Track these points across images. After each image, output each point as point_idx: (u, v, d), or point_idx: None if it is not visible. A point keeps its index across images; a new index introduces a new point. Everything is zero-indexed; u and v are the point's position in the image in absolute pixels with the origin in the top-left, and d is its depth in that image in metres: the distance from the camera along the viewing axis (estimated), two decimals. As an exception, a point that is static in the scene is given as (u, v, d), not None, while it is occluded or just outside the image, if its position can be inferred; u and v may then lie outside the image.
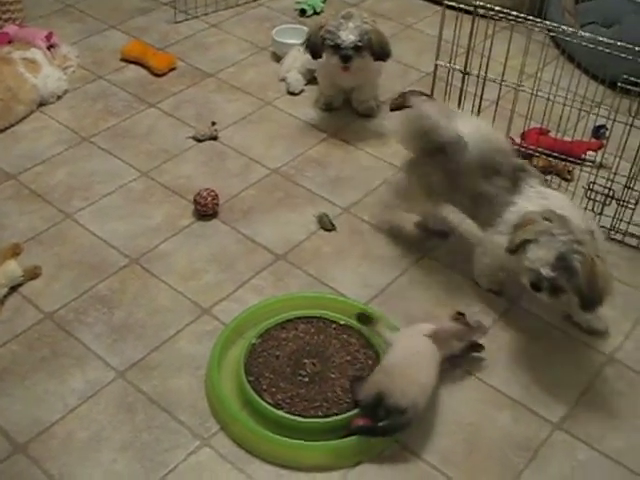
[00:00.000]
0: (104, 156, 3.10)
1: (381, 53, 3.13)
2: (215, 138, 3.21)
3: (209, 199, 2.80)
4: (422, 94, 3.39)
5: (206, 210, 2.81)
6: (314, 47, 3.14)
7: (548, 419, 2.25)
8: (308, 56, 3.35)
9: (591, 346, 2.46)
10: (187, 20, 3.96)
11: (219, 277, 2.63)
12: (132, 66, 3.61)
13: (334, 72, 3.19)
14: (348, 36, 3.02)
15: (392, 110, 3.40)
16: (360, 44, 3.05)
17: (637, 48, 2.56)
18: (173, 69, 3.60)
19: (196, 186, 2.89)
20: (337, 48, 3.06)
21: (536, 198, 2.38)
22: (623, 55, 2.61)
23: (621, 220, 2.81)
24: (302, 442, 2.11)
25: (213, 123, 3.22)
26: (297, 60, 3.53)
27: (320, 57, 3.16)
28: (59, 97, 3.38)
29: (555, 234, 2.21)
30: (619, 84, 2.59)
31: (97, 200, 2.90)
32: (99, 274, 2.62)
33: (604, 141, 3.02)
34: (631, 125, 2.62)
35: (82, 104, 3.38)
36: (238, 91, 3.50)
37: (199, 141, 3.19)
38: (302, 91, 3.50)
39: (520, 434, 2.21)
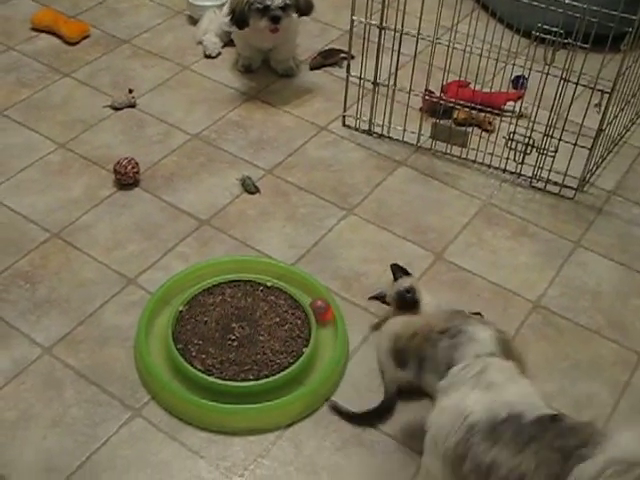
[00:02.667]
0: (19, 129, 3.02)
1: (306, 8, 3.12)
2: (133, 106, 3.14)
3: (129, 168, 2.75)
4: (341, 51, 3.39)
5: (127, 179, 2.76)
6: (241, 16, 3.06)
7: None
8: (224, 18, 3.31)
9: (517, 294, 2.49)
10: (99, -14, 3.87)
11: (143, 246, 2.59)
12: (44, 35, 3.51)
13: (252, 34, 3.15)
14: None
15: (312, 69, 3.38)
16: (288, 2, 3.02)
17: (549, -4, 2.58)
18: (86, 37, 3.51)
19: (115, 155, 2.83)
20: (266, 10, 3.02)
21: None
22: (535, 3, 2.62)
23: (542, 168, 2.84)
24: (233, 406, 2.10)
25: (130, 90, 3.16)
26: (213, 22, 3.48)
27: (247, 26, 3.09)
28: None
29: None
30: (534, 33, 2.60)
31: (13, 175, 2.83)
32: (19, 250, 2.56)
33: (523, 91, 3.05)
34: (547, 74, 2.64)
35: (-7, 77, 3.28)
36: (155, 57, 3.43)
37: (117, 109, 3.12)
38: (219, 54, 3.45)
39: (450, 384, 2.24)
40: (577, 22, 2.55)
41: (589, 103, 2.65)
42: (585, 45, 2.54)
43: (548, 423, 1.61)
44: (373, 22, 2.82)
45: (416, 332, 1.88)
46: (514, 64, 2.83)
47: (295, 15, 3.11)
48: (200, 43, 3.48)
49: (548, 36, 2.57)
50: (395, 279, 2.32)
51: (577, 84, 2.62)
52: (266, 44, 3.27)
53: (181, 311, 2.32)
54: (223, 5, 3.44)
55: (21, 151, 2.92)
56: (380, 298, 2.34)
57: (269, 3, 3.00)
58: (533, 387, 1.75)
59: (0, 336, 2.31)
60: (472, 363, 1.74)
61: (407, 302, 2.26)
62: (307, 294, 2.40)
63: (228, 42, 3.46)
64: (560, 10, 2.56)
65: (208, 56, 3.43)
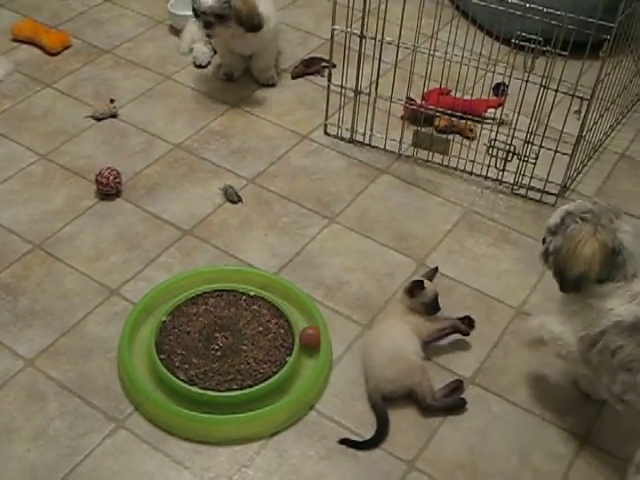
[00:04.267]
0: (0, 140, 3.01)
1: (250, 24, 3.05)
2: (115, 116, 3.14)
3: (111, 178, 2.75)
4: (322, 60, 3.40)
5: (108, 190, 2.76)
6: (195, 14, 3.06)
7: (460, 374, 2.29)
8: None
9: (500, 300, 2.50)
10: (79, -4, 3.86)
11: (126, 257, 2.58)
12: (24, 46, 3.50)
13: (231, 42, 3.15)
14: (206, 1, 2.96)
15: (293, 78, 3.39)
16: (221, 12, 2.98)
17: (528, 4, 2.59)
18: (68, 47, 3.50)
19: (97, 166, 2.83)
20: (197, 15, 3.02)
21: None
22: (514, 11, 2.63)
23: (523, 175, 2.85)
24: (217, 416, 2.10)
25: (112, 100, 3.15)
26: (197, 32, 3.47)
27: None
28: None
29: None
30: (514, 40, 2.61)
31: (-5, 186, 2.82)
32: (1, 262, 2.55)
33: (503, 98, 3.06)
34: (527, 81, 2.65)
35: (-27, 88, 3.27)
36: (136, 67, 3.43)
37: (98, 120, 3.12)
38: (209, 63, 3.44)
39: (434, 391, 2.24)
40: (556, 29, 2.57)
41: (569, 110, 2.67)
42: (564, 52, 2.56)
43: None
44: (354, 31, 2.83)
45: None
46: (494, 71, 2.84)
47: (238, 27, 3.04)
48: (185, 54, 3.47)
49: (527, 43, 2.59)
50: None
51: (557, 91, 2.64)
52: (240, 49, 3.26)
53: (164, 321, 2.32)
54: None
55: (2, 162, 2.91)
56: (420, 286, 2.32)
57: (197, 7, 3.00)
58: None
59: (-18, 348, 2.31)
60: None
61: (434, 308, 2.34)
62: (290, 303, 2.41)
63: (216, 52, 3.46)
64: (539, 18, 2.57)
65: (199, 66, 3.42)
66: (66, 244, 2.62)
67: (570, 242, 1.98)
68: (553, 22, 2.56)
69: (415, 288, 2.31)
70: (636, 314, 1.92)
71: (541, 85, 2.65)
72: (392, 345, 2.22)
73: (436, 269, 2.46)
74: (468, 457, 2.11)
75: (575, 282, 1.99)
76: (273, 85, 3.35)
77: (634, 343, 1.90)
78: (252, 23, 3.05)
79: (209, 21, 3.00)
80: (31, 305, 2.42)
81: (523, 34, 2.58)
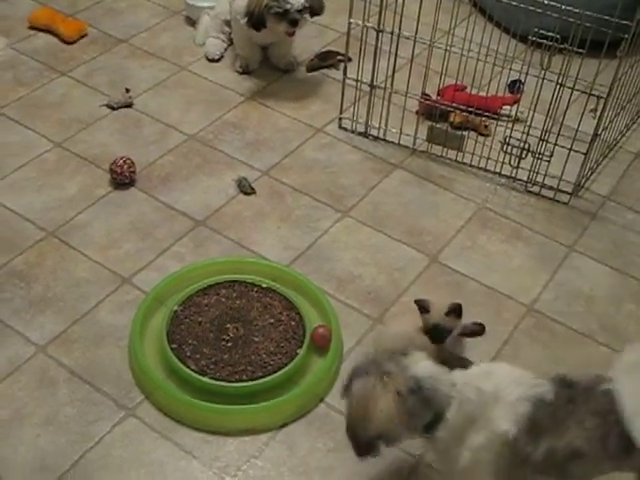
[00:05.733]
0: (15, 127, 3.02)
1: (319, 9, 3.15)
2: (130, 105, 3.14)
3: (125, 167, 2.75)
4: (338, 53, 3.39)
5: (122, 179, 2.76)
6: (260, 19, 3.07)
7: (470, 371, 2.29)
8: (222, 17, 3.34)
9: (511, 297, 2.50)
10: (97, -15, 3.87)
11: (138, 246, 2.59)
12: (41, 34, 3.51)
13: (258, 32, 3.15)
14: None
15: (309, 71, 3.39)
16: (306, 4, 3.05)
17: (546, 1, 2.58)
18: (84, 36, 3.51)
19: (112, 155, 2.84)
20: (285, 14, 3.03)
21: None
22: (532, 8, 2.62)
23: (537, 173, 2.85)
24: (227, 407, 2.11)
25: (127, 90, 3.16)
26: (212, 25, 3.47)
27: (265, 27, 3.09)
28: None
29: None
30: (530, 38, 2.61)
31: (9, 173, 2.83)
32: (14, 249, 2.56)
33: (519, 95, 3.06)
34: (543, 78, 2.64)
35: (-10, 75, 3.28)
36: (152, 57, 3.43)
37: (113, 109, 3.12)
38: (222, 57, 3.45)
39: (444, 387, 2.24)
40: (573, 27, 2.56)
41: (585, 108, 2.66)
42: (581, 50, 2.55)
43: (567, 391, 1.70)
44: (370, 25, 2.83)
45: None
46: (510, 68, 2.83)
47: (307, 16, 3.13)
48: (201, 45, 3.47)
49: (544, 41, 2.58)
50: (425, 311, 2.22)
51: (573, 89, 2.63)
52: (264, 40, 3.28)
53: (176, 311, 2.33)
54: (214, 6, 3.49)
55: (17, 149, 2.92)
56: (422, 307, 2.22)
57: (289, 7, 3.01)
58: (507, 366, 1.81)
59: (-6, 334, 2.32)
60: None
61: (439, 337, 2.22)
62: (302, 295, 2.41)
63: (230, 43, 3.46)
64: (557, 15, 2.56)
65: (211, 60, 3.42)
66: (79, 232, 2.63)
67: (358, 402, 1.73)
68: (571, 20, 2.56)
69: (419, 306, 2.23)
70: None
71: (557, 83, 2.64)
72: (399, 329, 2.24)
73: (459, 307, 2.21)
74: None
75: (371, 444, 1.75)
76: (292, 71, 3.37)
77: None
78: (320, 8, 3.16)
79: (296, 19, 3.04)
80: (44, 292, 2.43)
81: (540, 31, 2.57)
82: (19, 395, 2.17)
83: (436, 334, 2.20)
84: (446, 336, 2.21)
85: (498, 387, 1.71)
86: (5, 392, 2.17)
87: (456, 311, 2.20)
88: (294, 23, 3.06)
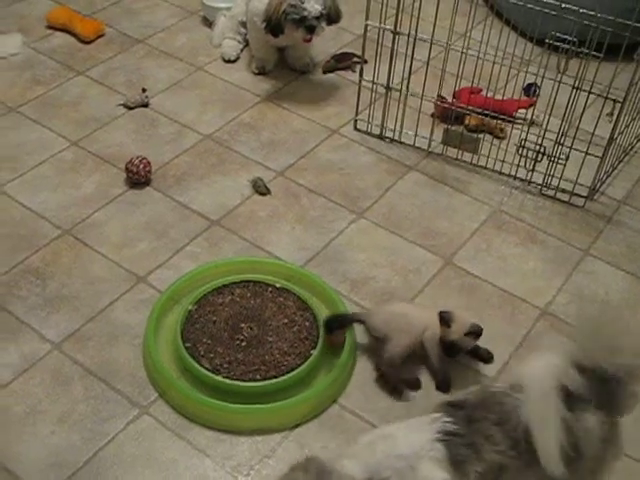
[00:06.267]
0: (32, 126, 3.04)
1: (336, 17, 3.16)
2: (146, 105, 3.16)
3: (141, 167, 2.76)
4: (354, 55, 3.40)
5: (138, 178, 2.78)
6: (278, 26, 3.08)
7: (483, 373, 2.28)
8: (239, 18, 3.35)
9: (525, 300, 2.50)
10: (114, -15, 3.88)
11: (153, 245, 2.60)
12: (59, 33, 3.53)
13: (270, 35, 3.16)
14: (314, 6, 3.02)
15: (325, 72, 3.39)
16: (324, 12, 3.07)
17: (563, 5, 2.58)
18: (101, 36, 3.53)
19: (128, 154, 2.85)
20: (303, 20, 3.05)
21: None
22: (548, 11, 2.62)
23: (552, 176, 2.84)
24: (240, 406, 2.11)
25: (144, 90, 3.18)
26: (228, 26, 3.48)
27: (282, 33, 3.11)
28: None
29: None
30: (547, 41, 2.60)
31: (26, 171, 2.84)
32: (31, 246, 2.57)
33: (535, 99, 3.05)
34: (560, 82, 2.64)
35: (8, 73, 3.29)
36: (169, 57, 3.44)
37: (130, 108, 3.14)
38: (238, 58, 3.46)
39: (458, 389, 2.24)
40: (591, 31, 2.56)
41: (601, 112, 2.66)
42: (598, 54, 2.55)
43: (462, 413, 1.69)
44: (387, 27, 2.83)
45: None
46: (527, 72, 2.84)
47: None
48: (217, 46, 3.48)
49: (561, 44, 2.58)
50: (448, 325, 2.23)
51: (589, 93, 2.62)
52: (282, 42, 3.29)
53: (190, 310, 2.33)
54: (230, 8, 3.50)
55: (34, 148, 2.94)
56: (445, 320, 2.24)
57: (306, 14, 3.03)
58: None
59: (10, 331, 2.33)
60: None
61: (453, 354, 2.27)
62: (316, 296, 2.41)
63: (246, 44, 3.47)
64: (574, 19, 2.56)
65: (227, 61, 3.43)
66: (95, 230, 2.64)
67: None
68: (588, 23, 2.55)
69: (442, 318, 2.24)
70: None
71: (574, 86, 2.64)
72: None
73: (480, 330, 2.23)
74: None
75: None
76: (308, 72, 3.39)
77: None
78: (338, 16, 3.17)
79: (314, 25, 3.06)
80: (59, 290, 2.45)
81: (557, 35, 2.57)
82: (34, 392, 2.18)
83: (452, 351, 2.25)
84: (459, 354, 2.27)
85: (405, 450, 1.66)
86: (20, 388, 2.18)
87: (476, 333, 2.23)
88: (311, 30, 3.07)
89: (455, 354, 2.26)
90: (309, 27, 3.06)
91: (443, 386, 2.24)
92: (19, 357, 2.26)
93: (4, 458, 2.03)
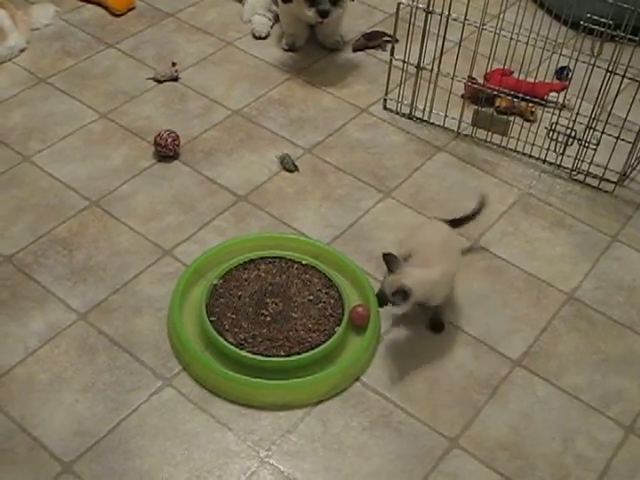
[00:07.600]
0: (62, 97, 3.04)
1: None
2: (176, 79, 3.15)
3: (169, 140, 2.77)
4: (384, 34, 3.38)
5: (166, 151, 2.78)
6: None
7: (508, 356, 2.28)
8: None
9: (551, 285, 2.48)
10: (146, -41, 3.87)
11: (180, 218, 2.61)
12: (90, 6, 3.53)
13: (299, 8, 3.14)
14: None
15: (354, 51, 3.38)
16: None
17: (600, -13, 2.55)
18: (132, 9, 3.52)
19: (156, 127, 2.86)
20: (314, 3, 3.03)
21: None
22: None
23: (582, 161, 2.81)
24: (263, 381, 2.11)
25: (173, 64, 3.17)
26: (258, 2, 3.47)
27: (290, 2, 3.09)
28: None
29: None
30: (582, 24, 2.57)
31: (55, 142, 2.85)
32: (58, 217, 2.59)
33: (567, 82, 3.02)
34: (593, 65, 2.61)
35: (39, 44, 3.30)
36: (199, 31, 3.44)
37: (159, 82, 3.14)
38: (268, 35, 3.45)
39: (480, 371, 2.24)
40: (627, 14, 2.53)
41: (634, 97, 2.62)
42: (634, 38, 2.52)
43: None
44: (420, 5, 2.81)
45: None
46: (560, 54, 2.80)
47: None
48: (247, 22, 3.47)
49: (596, 27, 2.54)
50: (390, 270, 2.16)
51: (623, 77, 2.59)
52: (310, 19, 3.26)
53: (215, 284, 2.34)
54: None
55: (64, 119, 2.95)
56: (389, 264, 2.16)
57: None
58: None
59: (37, 300, 2.34)
60: None
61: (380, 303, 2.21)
62: (341, 274, 2.41)
63: (277, 21, 3.46)
64: (610, 1, 2.53)
65: (258, 37, 3.42)
66: (122, 203, 2.65)
67: None
68: (625, 6, 2.52)
69: (387, 262, 2.16)
70: None
71: (607, 70, 2.60)
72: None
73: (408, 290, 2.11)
74: (511, 438, 2.10)
75: None
76: (339, 50, 3.36)
77: None
78: None
79: (326, 10, 3.04)
80: (86, 260, 2.46)
81: (593, 17, 2.54)
82: (59, 360, 2.20)
83: (380, 300, 2.19)
84: (385, 304, 2.18)
85: None
86: (46, 356, 2.20)
87: (405, 293, 2.11)
88: (324, 14, 3.05)
89: (382, 305, 2.19)
90: (322, 12, 3.04)
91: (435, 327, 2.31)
92: (45, 326, 2.28)
93: (28, 425, 2.05)
